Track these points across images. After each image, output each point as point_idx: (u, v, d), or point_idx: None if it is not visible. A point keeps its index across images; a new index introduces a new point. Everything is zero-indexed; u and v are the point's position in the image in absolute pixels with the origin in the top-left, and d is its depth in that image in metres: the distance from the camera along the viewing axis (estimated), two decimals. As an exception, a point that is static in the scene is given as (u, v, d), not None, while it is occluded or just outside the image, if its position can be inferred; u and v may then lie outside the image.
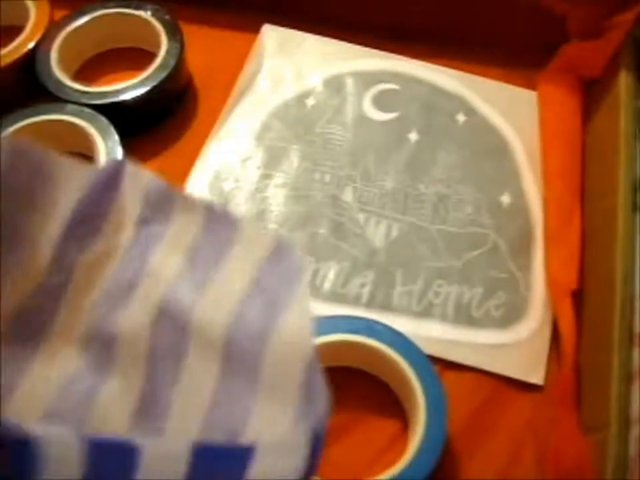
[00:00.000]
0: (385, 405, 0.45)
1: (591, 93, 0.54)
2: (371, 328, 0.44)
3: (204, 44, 0.56)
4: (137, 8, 0.55)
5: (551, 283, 0.46)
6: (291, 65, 0.56)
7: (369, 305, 0.47)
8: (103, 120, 0.50)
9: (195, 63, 0.56)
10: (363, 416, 0.45)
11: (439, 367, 0.46)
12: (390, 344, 0.43)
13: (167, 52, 0.53)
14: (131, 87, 0.52)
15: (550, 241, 0.47)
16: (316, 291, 0.48)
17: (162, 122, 0.54)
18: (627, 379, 0.43)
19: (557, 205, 0.48)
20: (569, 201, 0.48)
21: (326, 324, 0.44)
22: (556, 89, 0.52)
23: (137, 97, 0.52)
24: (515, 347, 0.47)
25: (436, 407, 0.42)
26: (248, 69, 0.56)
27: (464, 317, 0.47)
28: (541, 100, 0.53)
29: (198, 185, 0.51)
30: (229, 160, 0.52)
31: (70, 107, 0.50)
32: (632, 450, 0.43)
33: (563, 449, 0.42)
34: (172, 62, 0.53)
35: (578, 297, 0.47)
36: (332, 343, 0.44)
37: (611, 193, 0.48)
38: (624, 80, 0.52)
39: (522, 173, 0.52)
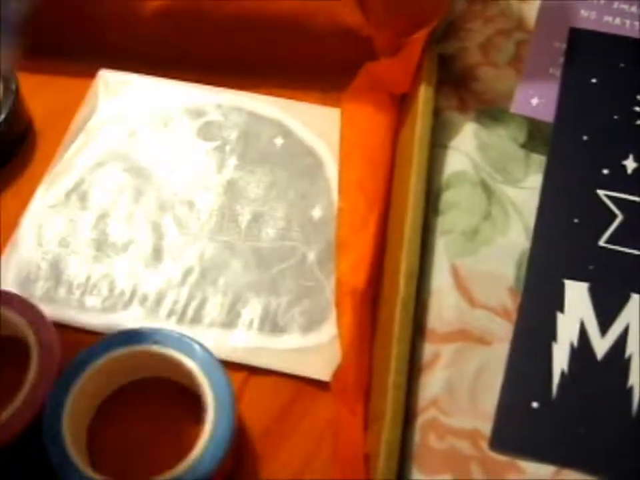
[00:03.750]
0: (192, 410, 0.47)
1: (401, 108, 0.57)
2: (165, 337, 0.46)
3: (44, 91, 0.59)
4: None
5: (336, 284, 0.48)
6: (123, 103, 0.59)
7: (181, 320, 0.50)
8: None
9: (35, 110, 0.59)
10: (171, 423, 0.47)
11: (244, 374, 0.48)
12: (181, 351, 0.45)
13: (2, 100, 0.56)
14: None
15: (340, 247, 0.49)
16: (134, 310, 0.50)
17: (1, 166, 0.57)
18: (405, 371, 0.45)
19: (350, 214, 0.50)
20: (364, 210, 0.50)
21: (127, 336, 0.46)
22: (359, 105, 0.54)
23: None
24: (316, 350, 0.49)
25: (223, 406, 0.44)
26: (83, 110, 0.58)
27: (269, 325, 0.49)
28: (343, 116, 0.55)
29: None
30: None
31: None
32: (417, 437, 0.45)
33: (343, 443, 0.44)
34: (6, 108, 0.56)
35: (375, 297, 0.49)
36: (131, 354, 0.46)
37: (405, 197, 0.50)
38: (423, 93, 0.54)
39: (333, 188, 0.54)
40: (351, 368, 0.45)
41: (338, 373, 0.45)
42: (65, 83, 0.60)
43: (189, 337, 0.46)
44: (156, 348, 0.46)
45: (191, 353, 0.45)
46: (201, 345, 0.46)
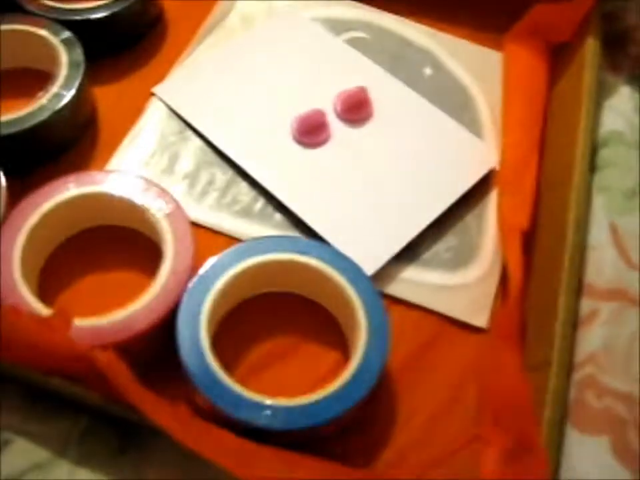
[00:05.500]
0: (326, 332, 0.43)
1: (559, 57, 0.53)
2: (314, 249, 0.42)
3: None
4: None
5: (500, 223, 0.44)
6: (261, 7, 0.54)
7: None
8: (68, 33, 0.47)
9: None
10: (304, 343, 0.43)
11: (385, 302, 0.44)
12: (333, 266, 0.41)
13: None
14: (102, 7, 0.49)
15: (504, 185, 0.45)
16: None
17: (129, 47, 0.52)
18: (572, 322, 0.41)
19: (514, 152, 0.46)
20: (527, 149, 0.47)
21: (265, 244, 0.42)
22: (521, 49, 0.51)
23: (106, 16, 0.49)
24: (461, 290, 0.45)
25: (377, 332, 0.40)
26: (219, 6, 0.54)
27: (413, 256, 0.45)
28: (505, 58, 0.51)
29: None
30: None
31: (36, 19, 0.48)
32: (573, 392, 0.41)
33: (503, 386, 0.40)
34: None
35: (530, 241, 0.46)
36: (275, 263, 0.42)
37: (570, 147, 0.47)
38: (590, 46, 0.51)
39: (483, 124, 0.50)
40: (517, 308, 0.41)
41: (504, 310, 0.41)
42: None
43: (339, 252, 0.42)
44: (303, 259, 0.41)
45: (348, 275, 0.41)
46: (352, 262, 0.42)
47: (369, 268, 0.43)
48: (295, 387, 0.39)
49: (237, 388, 0.38)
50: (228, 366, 0.41)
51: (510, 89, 0.49)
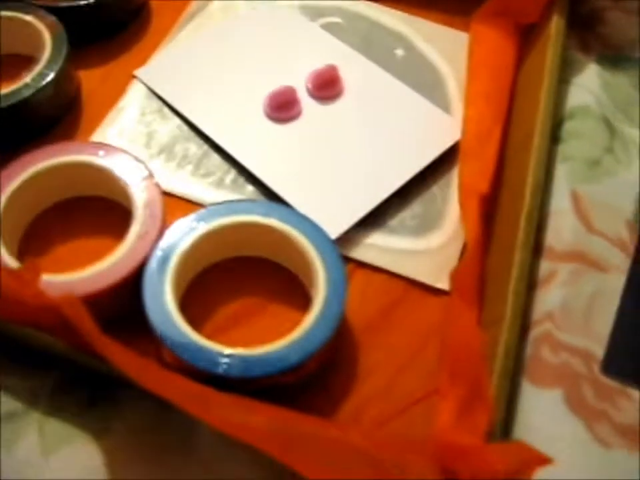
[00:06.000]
0: (291, 294, 0.44)
1: (528, 37, 0.55)
2: (276, 211, 0.43)
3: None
4: None
5: (460, 187, 0.46)
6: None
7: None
8: (53, 18, 0.50)
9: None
10: (270, 304, 0.44)
11: (352, 266, 0.46)
12: (294, 227, 0.43)
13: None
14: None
15: (466, 154, 0.47)
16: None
17: (114, 34, 0.54)
18: (526, 280, 0.42)
19: (476, 123, 0.48)
20: (490, 121, 0.48)
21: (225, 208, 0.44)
22: (488, 29, 0.52)
23: (92, 3, 0.52)
24: (425, 254, 0.46)
25: (335, 286, 0.41)
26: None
27: (379, 223, 0.47)
28: (471, 37, 0.53)
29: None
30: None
31: (23, 5, 0.51)
32: (530, 348, 0.42)
33: (459, 341, 0.41)
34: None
35: (492, 206, 0.47)
36: (238, 225, 0.43)
37: (532, 118, 0.48)
38: (556, 25, 0.52)
39: (451, 101, 0.52)
40: (473, 265, 0.42)
41: (460, 268, 0.42)
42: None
43: (302, 214, 0.44)
44: (266, 221, 0.43)
45: (303, 229, 0.43)
46: (314, 223, 0.43)
47: (333, 231, 0.45)
48: (260, 344, 0.41)
49: (198, 339, 0.39)
50: (195, 326, 0.43)
51: (474, 66, 0.51)
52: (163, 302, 0.40)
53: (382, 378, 0.42)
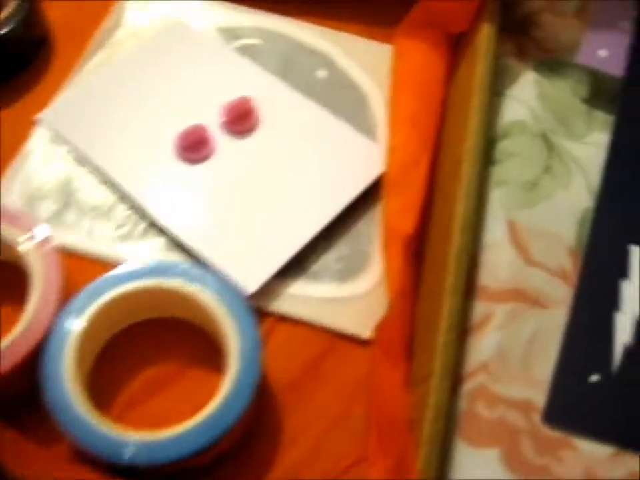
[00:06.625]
0: (209, 356, 0.41)
1: (457, 48, 0.50)
2: (186, 272, 0.40)
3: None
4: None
5: (385, 228, 0.42)
6: (150, 19, 0.52)
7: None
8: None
9: (55, 17, 0.52)
10: (187, 369, 0.41)
11: (271, 320, 0.42)
12: (204, 288, 0.39)
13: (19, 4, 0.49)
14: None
15: (390, 189, 0.43)
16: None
17: (14, 74, 0.50)
18: (457, 330, 0.39)
19: (401, 152, 0.44)
20: (416, 148, 0.44)
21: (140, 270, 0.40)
22: (413, 42, 0.48)
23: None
24: (352, 302, 0.42)
25: (249, 358, 0.38)
26: (106, 23, 0.52)
27: (301, 269, 0.43)
28: (395, 51, 0.48)
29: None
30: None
31: None
32: (463, 404, 0.39)
33: (385, 403, 0.38)
34: (22, 12, 0.49)
35: (421, 245, 0.43)
36: (143, 290, 0.40)
37: (461, 142, 0.44)
38: (485, 33, 0.48)
39: (377, 124, 0.48)
40: (398, 319, 0.39)
41: (383, 323, 0.38)
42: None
43: (212, 272, 0.40)
44: (174, 284, 0.39)
45: (213, 289, 0.39)
46: (226, 282, 0.40)
47: (251, 285, 0.41)
48: (179, 416, 0.37)
49: (101, 426, 0.36)
50: (107, 400, 0.40)
51: (399, 86, 0.47)
52: (62, 386, 0.37)
53: (308, 443, 0.39)
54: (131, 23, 0.52)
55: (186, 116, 0.47)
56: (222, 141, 0.46)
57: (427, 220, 0.43)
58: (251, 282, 0.41)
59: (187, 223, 0.44)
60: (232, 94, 0.47)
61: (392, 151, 0.44)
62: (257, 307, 0.41)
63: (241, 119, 0.46)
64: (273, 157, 0.46)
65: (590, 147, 0.47)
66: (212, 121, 0.47)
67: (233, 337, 0.38)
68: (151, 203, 0.44)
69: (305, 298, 0.42)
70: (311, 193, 0.45)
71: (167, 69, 0.49)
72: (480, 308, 0.41)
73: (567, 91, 0.49)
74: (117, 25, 0.52)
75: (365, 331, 0.41)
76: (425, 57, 0.48)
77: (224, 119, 0.46)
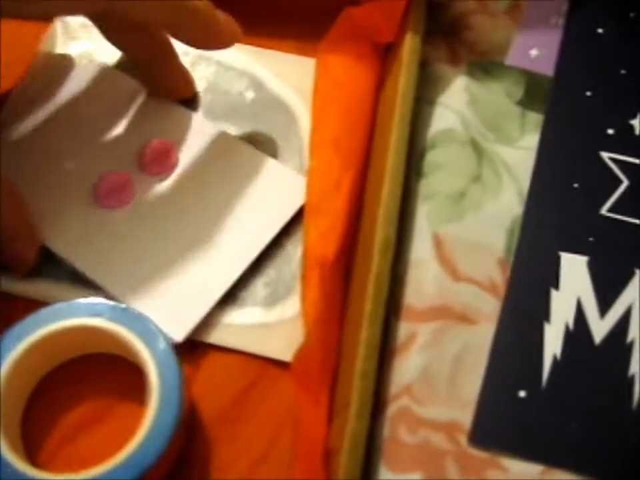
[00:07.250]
0: (140, 390, 0.40)
1: (385, 59, 0.49)
2: (108, 311, 0.39)
3: None
4: None
5: (304, 254, 0.41)
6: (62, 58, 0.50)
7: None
8: None
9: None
10: (120, 404, 0.41)
11: (197, 351, 0.42)
12: (125, 327, 0.39)
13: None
14: None
15: (311, 212, 0.42)
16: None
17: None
18: (375, 359, 0.38)
19: (322, 175, 0.43)
20: (338, 171, 0.43)
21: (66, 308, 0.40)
22: (337, 55, 0.47)
23: None
24: (279, 327, 0.42)
25: (168, 398, 0.37)
26: (39, 55, 0.51)
27: (226, 296, 0.43)
28: (318, 67, 0.47)
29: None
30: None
31: None
32: (386, 429, 0.38)
33: (304, 435, 0.37)
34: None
35: (347, 270, 0.43)
36: (68, 329, 0.39)
37: (384, 158, 0.43)
38: (409, 42, 0.47)
39: (307, 147, 0.47)
40: (315, 350, 0.38)
41: (299, 356, 0.38)
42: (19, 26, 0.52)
43: (132, 309, 0.40)
44: (95, 322, 0.39)
45: (134, 327, 0.39)
46: (145, 318, 0.39)
47: (178, 336, 0.41)
48: (108, 454, 0.37)
49: (25, 472, 0.36)
50: (38, 442, 0.40)
51: (321, 104, 0.45)
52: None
53: (238, 474, 0.39)
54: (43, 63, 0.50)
55: (104, 161, 0.46)
56: (142, 184, 0.45)
57: (353, 244, 0.43)
58: (178, 331, 0.41)
59: (109, 271, 0.43)
60: (150, 132, 0.47)
61: (312, 174, 0.43)
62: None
63: (158, 160, 0.45)
64: (194, 195, 0.45)
65: (522, 151, 0.46)
66: (131, 164, 0.46)
67: (154, 373, 0.38)
68: (74, 256, 0.44)
69: (233, 325, 0.42)
70: (237, 229, 0.44)
71: (80, 111, 0.48)
72: (404, 328, 0.41)
73: (500, 94, 0.48)
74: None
75: (292, 355, 0.41)
76: (350, 72, 0.47)
77: (142, 160, 0.46)
